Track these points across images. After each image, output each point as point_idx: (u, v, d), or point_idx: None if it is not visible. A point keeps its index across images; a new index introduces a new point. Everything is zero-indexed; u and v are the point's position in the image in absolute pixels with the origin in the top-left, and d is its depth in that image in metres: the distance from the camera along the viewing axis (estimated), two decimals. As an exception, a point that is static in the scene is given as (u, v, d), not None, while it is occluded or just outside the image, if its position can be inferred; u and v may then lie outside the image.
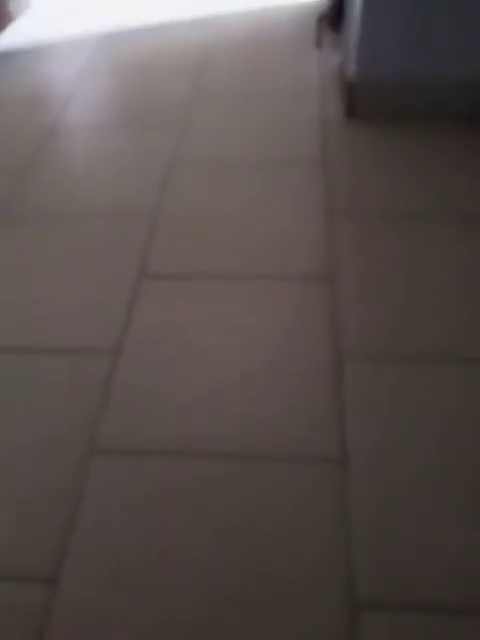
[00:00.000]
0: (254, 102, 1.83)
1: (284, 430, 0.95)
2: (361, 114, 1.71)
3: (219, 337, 1.12)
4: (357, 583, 0.77)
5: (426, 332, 1.09)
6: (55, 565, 0.81)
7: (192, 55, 2.15)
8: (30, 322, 1.18)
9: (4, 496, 0.89)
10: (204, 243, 1.33)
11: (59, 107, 1.90)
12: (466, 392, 0.99)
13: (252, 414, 0.98)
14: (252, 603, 0.75)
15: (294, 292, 1.20)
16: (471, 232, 1.31)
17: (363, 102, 1.69)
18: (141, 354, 1.10)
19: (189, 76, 2.02)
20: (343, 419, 0.96)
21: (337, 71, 1.93)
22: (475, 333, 1.08)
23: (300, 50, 2.12)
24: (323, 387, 1.01)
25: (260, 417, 0.97)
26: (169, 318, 1.16)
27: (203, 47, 2.20)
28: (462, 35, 1.58)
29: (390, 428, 0.94)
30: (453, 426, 0.94)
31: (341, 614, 0.74)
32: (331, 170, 1.52)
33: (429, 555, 0.79)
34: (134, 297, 1.21)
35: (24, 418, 1.00)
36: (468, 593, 0.75)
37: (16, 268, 1.32)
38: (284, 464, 0.90)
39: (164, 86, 1.97)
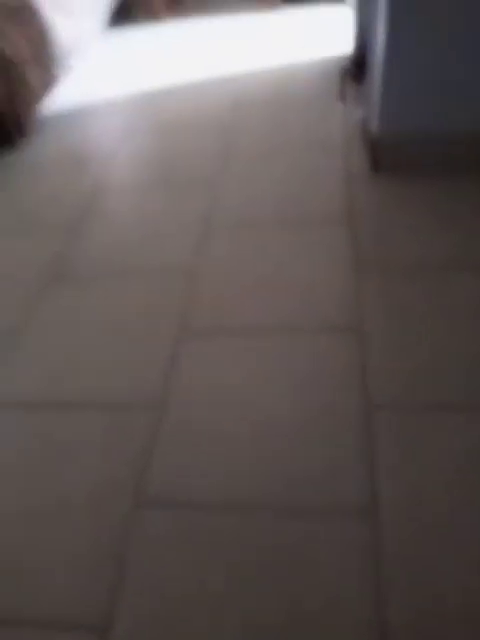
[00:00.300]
0: (281, 158, 1.94)
1: (318, 481, 1.02)
2: (385, 168, 1.79)
3: (256, 390, 1.20)
4: (389, 633, 0.82)
5: (454, 381, 1.15)
6: (106, 615, 0.89)
7: (222, 113, 2.28)
8: (76, 377, 1.28)
9: (55, 548, 0.98)
10: (239, 299, 1.43)
11: (102, 167, 2.04)
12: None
13: (287, 466, 1.05)
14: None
15: (325, 344, 1.28)
16: (493, 283, 1.38)
17: (387, 156, 1.77)
18: (182, 409, 1.18)
19: (219, 134, 2.14)
20: (374, 469, 1.03)
21: (361, 124, 2.03)
22: (497, 384, 1.14)
23: (324, 104, 2.23)
24: (355, 438, 1.08)
25: (295, 469, 1.05)
26: (208, 372, 1.25)
27: (232, 104, 2.34)
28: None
29: (421, 477, 1.00)
30: None
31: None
32: (357, 224, 1.61)
33: (462, 603, 0.84)
34: (175, 352, 1.31)
35: (72, 472, 1.09)
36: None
37: (63, 324, 1.43)
38: (318, 515, 0.97)
39: (197, 145, 2.09)
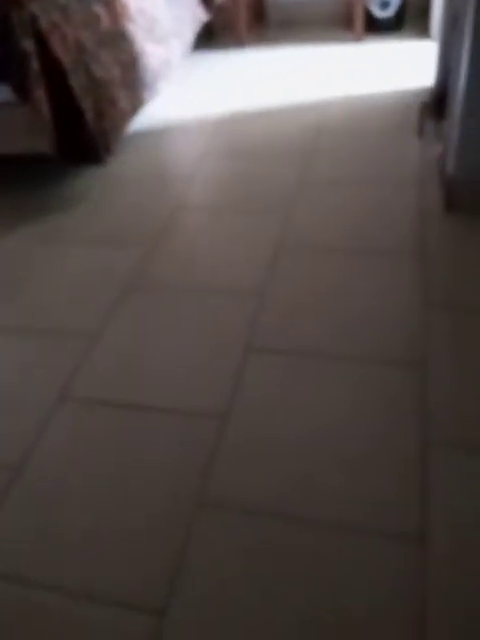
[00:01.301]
0: (356, 188, 1.99)
1: (369, 505, 1.05)
2: (459, 207, 1.80)
3: (316, 411, 1.24)
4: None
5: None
6: (163, 601, 0.95)
7: (298, 140, 2.35)
8: (147, 381, 1.36)
9: (120, 538, 1.05)
10: (306, 321, 1.47)
11: (181, 186, 2.15)
12: None
13: (341, 486, 1.09)
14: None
15: (387, 375, 1.30)
16: None
17: (461, 196, 1.79)
18: (245, 421, 1.24)
19: (295, 160, 2.21)
20: (427, 501, 1.05)
21: (437, 161, 2.05)
22: None
23: (402, 137, 2.26)
24: (410, 469, 1.10)
25: (348, 489, 1.08)
26: (271, 389, 1.30)
27: (311, 132, 2.40)
28: None
29: (470, 514, 1.02)
30: None
31: None
32: (426, 259, 1.63)
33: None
34: (240, 367, 1.37)
35: (141, 468, 1.17)
36: None
37: (137, 331, 1.52)
38: (367, 537, 1.01)
39: (272, 170, 2.17)
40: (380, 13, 3.37)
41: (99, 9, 2.32)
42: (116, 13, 2.39)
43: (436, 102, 2.36)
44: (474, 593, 0.92)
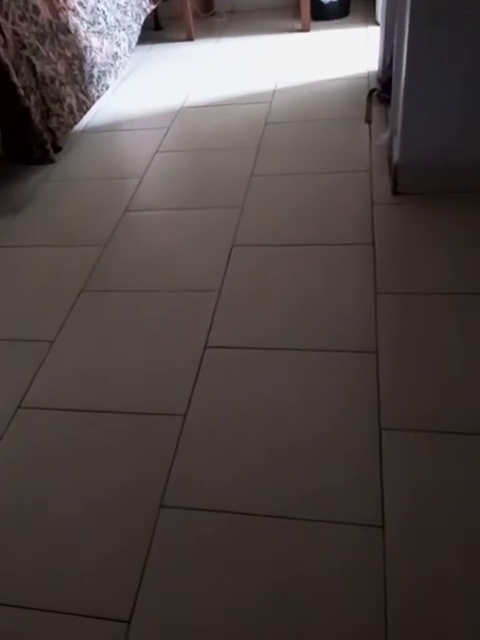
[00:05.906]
0: (307, 178, 1.99)
1: (328, 494, 1.07)
2: (406, 192, 1.82)
3: (274, 405, 1.25)
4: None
5: (466, 407, 1.19)
6: (129, 607, 0.95)
7: (249, 131, 2.34)
8: (104, 384, 1.35)
9: (85, 543, 1.05)
10: (262, 317, 1.48)
11: (133, 185, 2.12)
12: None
13: (300, 478, 1.10)
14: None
15: (342, 365, 1.32)
16: (511, 309, 1.40)
17: (407, 181, 1.81)
18: (205, 419, 1.24)
19: (246, 153, 2.20)
20: (382, 485, 1.07)
21: (385, 147, 2.07)
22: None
23: (352, 124, 2.27)
24: (365, 456, 1.13)
25: (308, 480, 1.10)
26: (230, 386, 1.31)
27: (259, 122, 2.39)
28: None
29: (425, 497, 1.04)
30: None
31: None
32: (376, 247, 1.65)
33: (460, 618, 0.88)
34: (199, 366, 1.37)
35: (102, 473, 1.16)
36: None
37: (93, 334, 1.50)
38: (328, 526, 1.03)
39: (224, 163, 2.16)
40: (326, -1, 3.36)
41: (36, 0, 2.25)
42: (55, 4, 2.33)
43: (384, 88, 2.38)
44: (428, 572, 0.95)
